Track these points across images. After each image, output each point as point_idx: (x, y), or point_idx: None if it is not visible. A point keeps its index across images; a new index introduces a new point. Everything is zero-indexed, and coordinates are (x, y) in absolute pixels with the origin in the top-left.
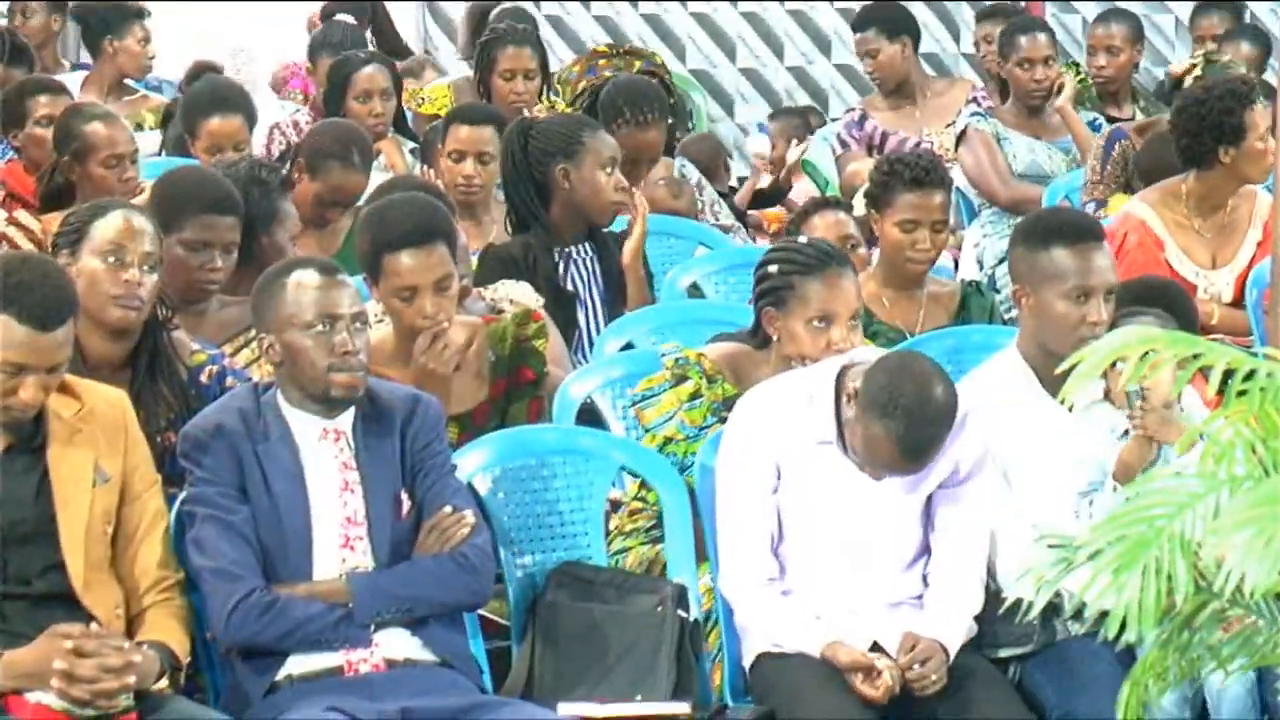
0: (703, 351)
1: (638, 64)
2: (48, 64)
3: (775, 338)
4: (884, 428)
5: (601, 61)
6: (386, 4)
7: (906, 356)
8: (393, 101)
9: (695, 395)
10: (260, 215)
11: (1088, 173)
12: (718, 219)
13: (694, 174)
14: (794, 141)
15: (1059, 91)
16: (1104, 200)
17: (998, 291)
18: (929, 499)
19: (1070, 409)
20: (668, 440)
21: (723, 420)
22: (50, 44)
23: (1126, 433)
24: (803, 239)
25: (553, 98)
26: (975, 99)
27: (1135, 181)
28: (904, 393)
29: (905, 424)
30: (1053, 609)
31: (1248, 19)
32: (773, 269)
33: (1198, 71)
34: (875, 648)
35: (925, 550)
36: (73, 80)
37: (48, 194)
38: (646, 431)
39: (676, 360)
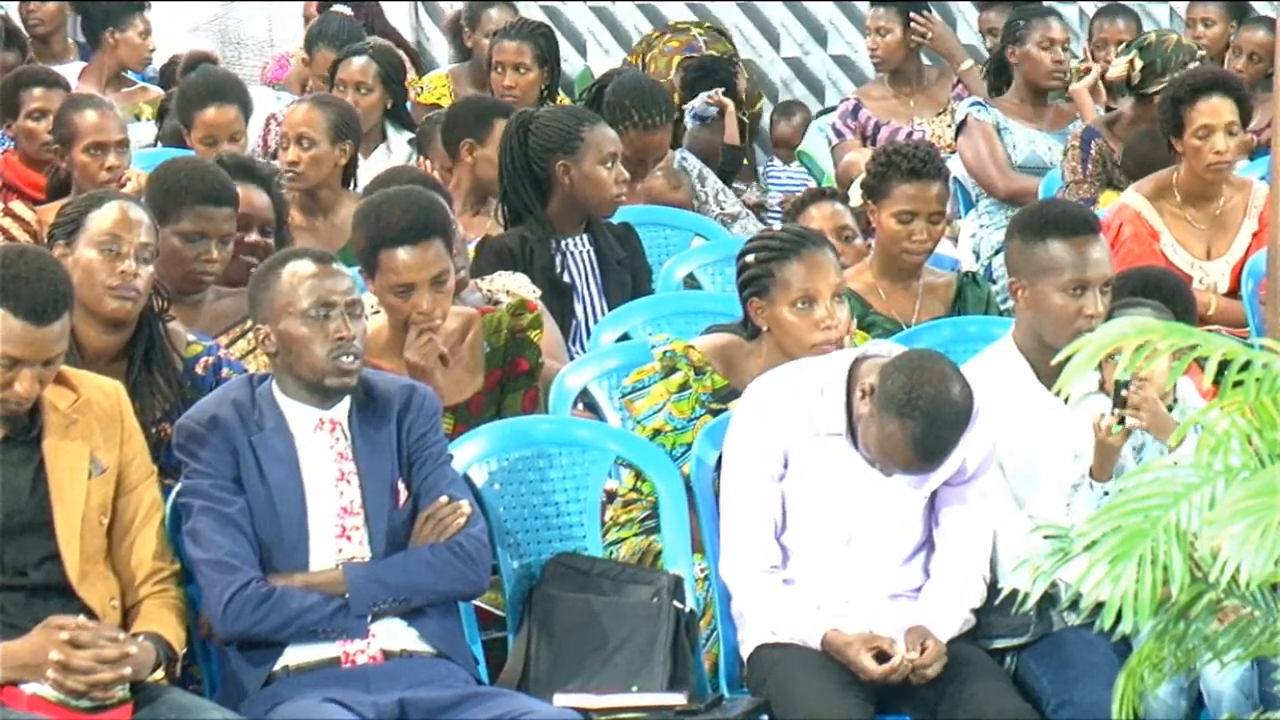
0: (692, 344)
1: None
2: (56, 51)
3: (765, 329)
4: (900, 428)
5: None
6: (381, 1)
7: (925, 356)
8: (373, 95)
9: (684, 387)
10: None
11: (1067, 173)
12: (723, 208)
13: (695, 165)
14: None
15: (1078, 77)
16: (1093, 198)
17: (994, 282)
18: (933, 493)
19: (1065, 401)
20: (657, 432)
21: (712, 412)
22: (60, 31)
23: (1123, 420)
24: (777, 226)
25: (560, 94)
26: (959, 94)
27: (1118, 178)
28: (923, 394)
29: (923, 425)
30: (1049, 600)
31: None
32: (750, 259)
33: (1138, 63)
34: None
35: (926, 544)
36: (70, 71)
37: (55, 187)
38: (637, 423)
39: (665, 353)
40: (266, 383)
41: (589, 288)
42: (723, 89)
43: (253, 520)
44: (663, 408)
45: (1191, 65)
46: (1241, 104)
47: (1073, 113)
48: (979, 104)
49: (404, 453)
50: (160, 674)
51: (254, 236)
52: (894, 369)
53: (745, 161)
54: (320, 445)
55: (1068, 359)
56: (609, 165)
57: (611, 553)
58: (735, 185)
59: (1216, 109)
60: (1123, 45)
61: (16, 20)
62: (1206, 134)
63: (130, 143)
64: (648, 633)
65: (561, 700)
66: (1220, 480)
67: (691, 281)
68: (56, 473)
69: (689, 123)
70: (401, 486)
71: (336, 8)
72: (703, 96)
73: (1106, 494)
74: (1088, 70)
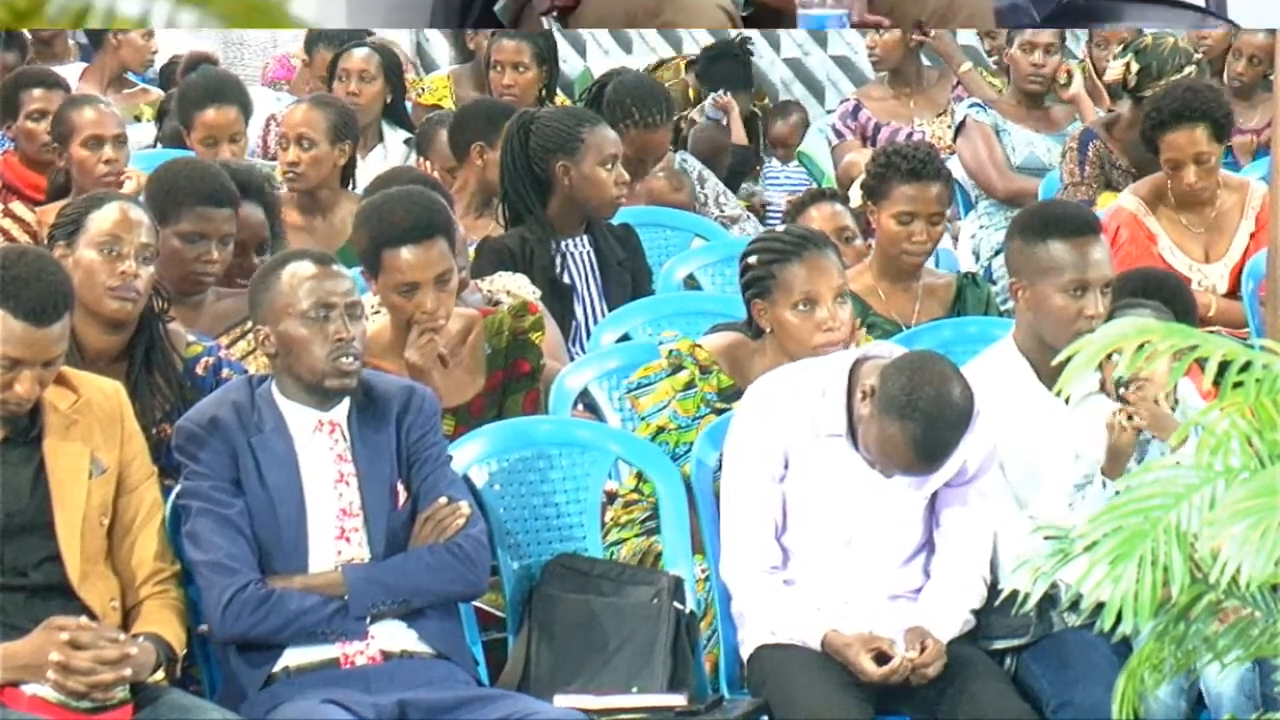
0: (698, 343)
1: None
2: (57, 51)
3: (768, 329)
4: (901, 429)
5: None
6: None
7: (926, 357)
8: (375, 85)
9: (689, 385)
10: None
11: (1065, 175)
12: (723, 210)
13: (695, 166)
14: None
15: (1068, 82)
16: (1091, 200)
17: (994, 283)
18: (934, 494)
19: (1066, 401)
20: (660, 429)
21: (717, 411)
22: (61, 33)
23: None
24: (781, 228)
25: (560, 94)
26: (958, 95)
27: (1116, 179)
28: (923, 395)
29: (923, 426)
30: (1049, 600)
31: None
32: (753, 260)
33: (1134, 66)
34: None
35: (926, 545)
36: (71, 72)
37: (55, 188)
38: (641, 419)
39: (671, 351)
40: (266, 384)
41: (589, 288)
42: (741, 64)
43: (252, 522)
44: (667, 405)
45: (1188, 69)
46: (1215, 123)
47: (1071, 114)
48: (977, 105)
49: (403, 454)
50: (160, 675)
51: (252, 260)
52: (894, 370)
53: (759, 165)
54: (319, 447)
55: (1068, 359)
56: (609, 166)
57: (612, 554)
58: (745, 184)
59: (1183, 142)
60: (1121, 46)
61: None
62: (1175, 166)
63: (129, 140)
64: (648, 634)
65: (562, 701)
66: (1220, 481)
67: (691, 282)
68: (57, 473)
69: (701, 121)
70: (401, 488)
71: None
72: (710, 99)
73: (1118, 492)
74: (1069, 73)
